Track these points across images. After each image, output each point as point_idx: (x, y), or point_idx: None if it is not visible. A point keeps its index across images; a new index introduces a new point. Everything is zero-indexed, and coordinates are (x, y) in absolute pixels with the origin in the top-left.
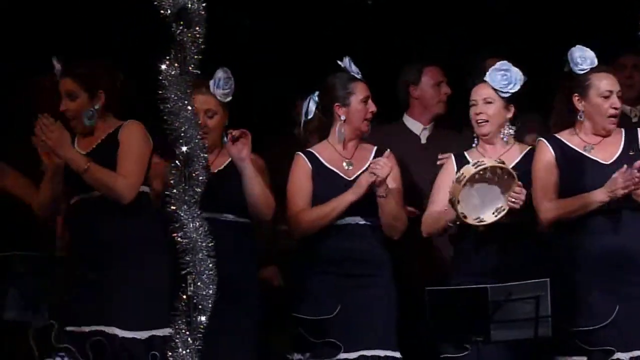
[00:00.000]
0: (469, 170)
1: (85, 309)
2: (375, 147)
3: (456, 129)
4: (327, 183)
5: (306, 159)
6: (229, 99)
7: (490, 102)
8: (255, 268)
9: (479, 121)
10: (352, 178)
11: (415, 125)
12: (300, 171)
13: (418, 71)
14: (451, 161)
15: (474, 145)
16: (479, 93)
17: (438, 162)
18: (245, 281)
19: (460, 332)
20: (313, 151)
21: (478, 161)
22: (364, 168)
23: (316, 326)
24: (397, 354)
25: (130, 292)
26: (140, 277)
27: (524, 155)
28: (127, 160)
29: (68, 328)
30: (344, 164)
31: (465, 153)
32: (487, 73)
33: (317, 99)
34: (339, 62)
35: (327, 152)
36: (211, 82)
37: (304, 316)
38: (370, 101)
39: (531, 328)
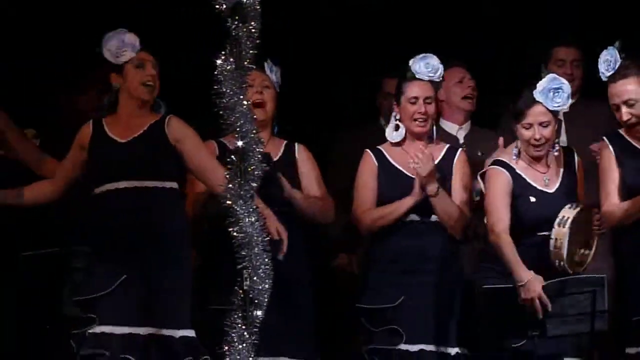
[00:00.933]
0: (570, 212)
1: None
2: (447, 146)
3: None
4: (392, 182)
5: (373, 156)
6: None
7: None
8: (306, 260)
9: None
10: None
11: (451, 127)
12: (366, 169)
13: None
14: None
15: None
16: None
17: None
18: (297, 272)
19: (516, 328)
20: (382, 149)
21: (572, 204)
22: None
23: (377, 315)
24: (456, 350)
25: (175, 290)
26: (181, 273)
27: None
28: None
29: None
30: (411, 162)
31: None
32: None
33: None
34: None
35: (396, 150)
36: (266, 64)
37: (365, 306)
38: (420, 102)
39: (587, 322)
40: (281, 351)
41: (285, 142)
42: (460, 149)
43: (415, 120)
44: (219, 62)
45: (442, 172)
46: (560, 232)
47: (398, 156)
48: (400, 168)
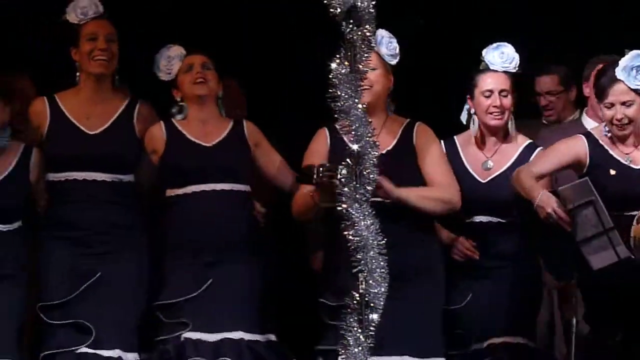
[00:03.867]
0: None
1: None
2: (528, 142)
3: None
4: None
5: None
6: (394, 61)
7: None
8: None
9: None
10: (486, 180)
11: (590, 124)
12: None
13: (588, 68)
14: None
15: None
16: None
17: None
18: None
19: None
20: (456, 140)
21: None
22: (506, 166)
23: (447, 317)
24: (521, 340)
25: (247, 292)
26: (252, 275)
27: None
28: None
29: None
30: (483, 163)
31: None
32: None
33: None
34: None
35: (469, 145)
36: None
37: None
38: (495, 95)
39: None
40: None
41: (405, 122)
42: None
43: (490, 113)
44: (333, 65)
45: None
46: None
47: (470, 152)
48: (468, 167)
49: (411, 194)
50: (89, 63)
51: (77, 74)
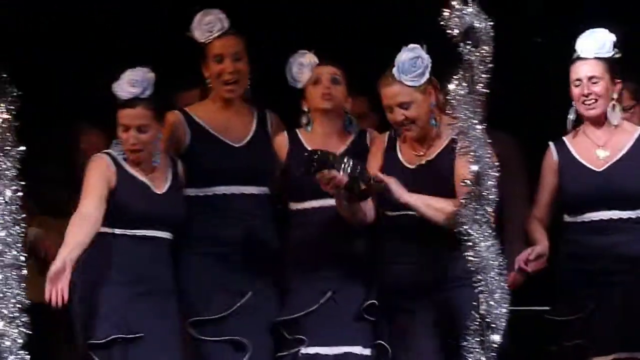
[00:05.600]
0: None
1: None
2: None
3: None
4: (573, 177)
5: (554, 150)
6: (423, 80)
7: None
8: None
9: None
10: (601, 169)
11: None
12: (543, 165)
13: None
14: None
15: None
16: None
17: None
18: None
19: None
20: (565, 140)
21: None
22: (622, 154)
23: (567, 327)
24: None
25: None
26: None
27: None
28: None
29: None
30: (597, 151)
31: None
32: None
33: None
34: None
35: (581, 140)
36: (394, 70)
37: (554, 317)
38: (584, 83)
39: None
40: None
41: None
42: None
43: (583, 103)
44: (451, 86)
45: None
46: None
47: (583, 147)
48: (583, 161)
49: (419, 201)
50: (219, 87)
51: (208, 84)
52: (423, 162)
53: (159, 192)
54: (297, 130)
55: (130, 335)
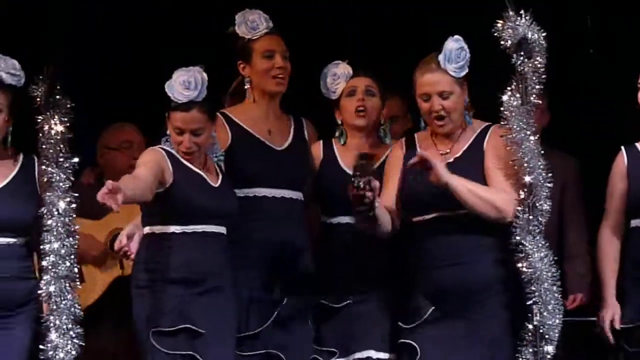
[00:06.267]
0: None
1: None
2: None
3: None
4: None
5: (625, 154)
6: (464, 73)
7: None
8: None
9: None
10: None
11: None
12: (613, 170)
13: None
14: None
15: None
16: None
17: None
18: None
19: None
20: (637, 145)
21: None
22: None
23: (632, 334)
24: None
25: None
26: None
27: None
28: None
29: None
30: None
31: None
32: None
33: None
34: None
35: None
36: (441, 57)
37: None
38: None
39: None
40: None
41: (482, 126)
42: None
43: None
44: (505, 98)
45: None
46: None
47: None
48: None
49: (461, 186)
50: (268, 81)
51: (246, 87)
52: (451, 159)
53: (215, 185)
54: (332, 141)
55: (195, 328)
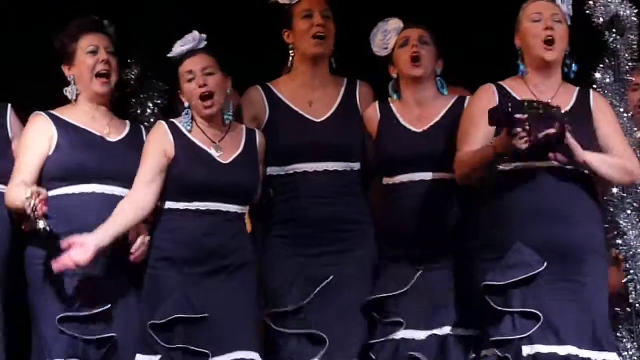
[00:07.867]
0: None
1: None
2: None
3: None
4: None
5: None
6: (570, 14)
7: None
8: None
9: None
10: None
11: None
12: None
13: None
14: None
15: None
16: None
17: None
18: None
19: None
20: None
21: None
22: None
23: None
24: None
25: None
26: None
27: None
28: None
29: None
30: None
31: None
32: None
33: None
34: None
35: None
36: None
37: None
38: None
39: None
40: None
41: (577, 88)
42: None
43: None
44: (597, 75)
45: None
46: None
47: None
48: None
49: (594, 158)
50: (306, 42)
51: (290, 58)
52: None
53: (223, 162)
54: (389, 100)
55: (193, 316)
